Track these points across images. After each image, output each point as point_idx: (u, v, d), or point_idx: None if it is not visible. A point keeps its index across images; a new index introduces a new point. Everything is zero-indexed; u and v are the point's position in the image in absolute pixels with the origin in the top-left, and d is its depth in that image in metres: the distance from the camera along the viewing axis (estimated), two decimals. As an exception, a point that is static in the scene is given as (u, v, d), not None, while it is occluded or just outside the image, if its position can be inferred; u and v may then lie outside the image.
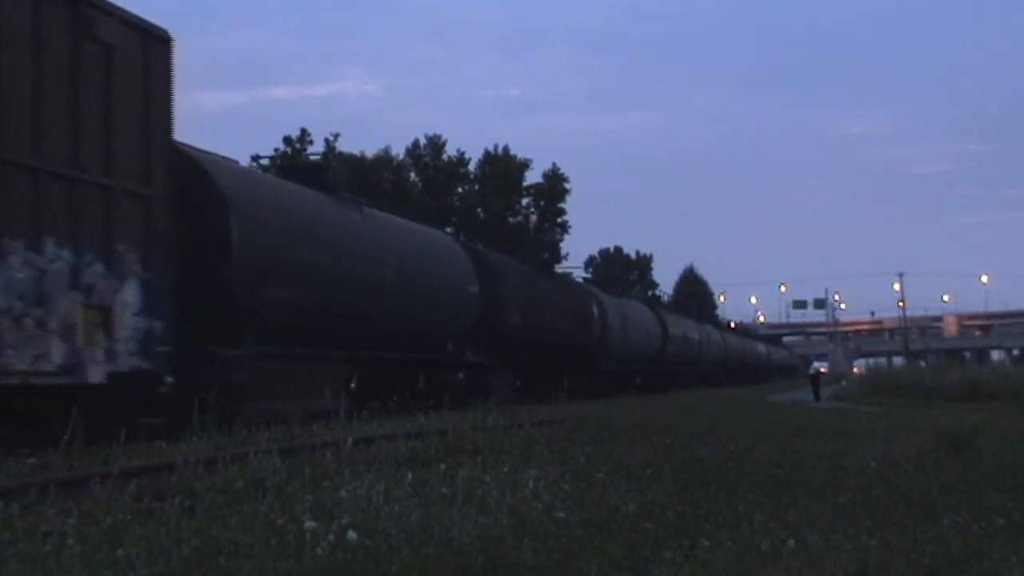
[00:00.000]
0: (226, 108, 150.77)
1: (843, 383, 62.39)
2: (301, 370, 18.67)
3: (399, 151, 62.97)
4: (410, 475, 8.66)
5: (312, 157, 55.53)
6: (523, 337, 30.41)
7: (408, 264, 22.89)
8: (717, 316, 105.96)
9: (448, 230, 45.73)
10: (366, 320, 20.94)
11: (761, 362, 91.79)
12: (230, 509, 7.20)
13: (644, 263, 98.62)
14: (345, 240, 20.46)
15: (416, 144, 63.79)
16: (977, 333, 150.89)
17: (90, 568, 5.23)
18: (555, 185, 67.06)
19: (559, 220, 67.57)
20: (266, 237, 17.36)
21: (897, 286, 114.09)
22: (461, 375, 27.12)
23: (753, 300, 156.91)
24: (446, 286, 25.09)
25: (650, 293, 78.56)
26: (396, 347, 22.30)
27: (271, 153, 58.22)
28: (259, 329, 17.09)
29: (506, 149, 65.49)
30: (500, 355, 28.43)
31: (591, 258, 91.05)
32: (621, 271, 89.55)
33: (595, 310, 39.40)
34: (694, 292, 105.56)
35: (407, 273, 22.60)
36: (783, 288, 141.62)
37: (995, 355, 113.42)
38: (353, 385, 20.87)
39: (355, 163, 59.04)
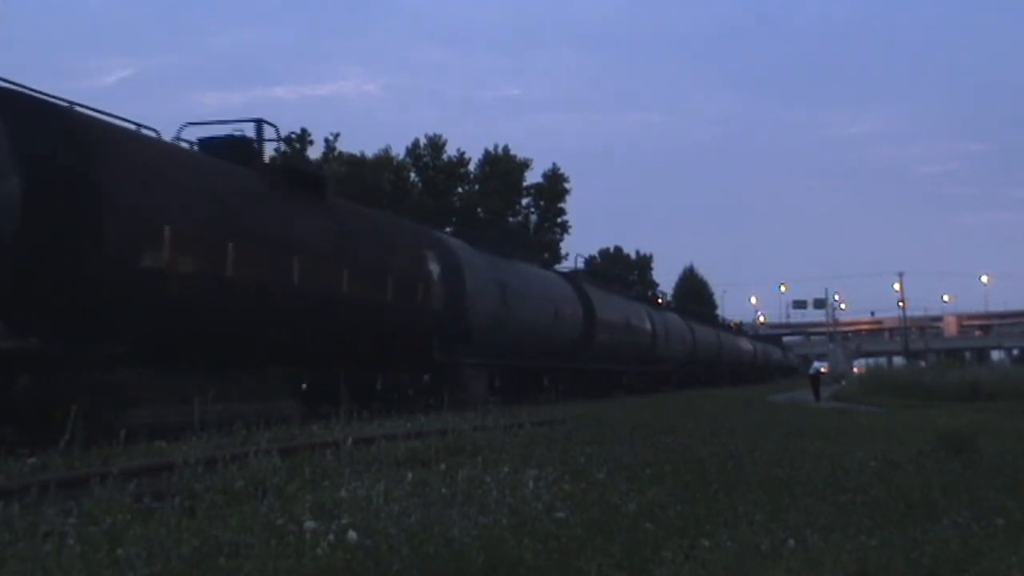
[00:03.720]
0: (226, 108, 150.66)
1: (843, 383, 62.44)
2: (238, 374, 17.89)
3: (399, 151, 63.08)
4: (410, 475, 8.66)
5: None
6: (496, 332, 27.38)
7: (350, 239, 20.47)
8: (717, 316, 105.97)
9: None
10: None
11: (744, 360, 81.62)
12: (230, 509, 7.20)
13: (644, 263, 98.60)
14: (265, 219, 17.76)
15: (416, 144, 63.84)
16: (977, 333, 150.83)
17: (90, 568, 5.23)
18: (555, 185, 67.10)
19: (559, 220, 67.63)
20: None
21: (897, 286, 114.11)
22: (427, 377, 24.26)
23: (753, 300, 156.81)
24: (401, 273, 22.48)
25: (650, 293, 78.37)
26: (345, 343, 20.19)
27: (271, 152, 58.53)
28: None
29: (506, 149, 65.58)
30: (471, 353, 25.76)
31: (591, 258, 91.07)
32: (621, 271, 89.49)
33: (579, 305, 35.95)
34: (694, 292, 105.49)
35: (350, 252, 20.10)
36: (783, 288, 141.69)
37: (995, 355, 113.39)
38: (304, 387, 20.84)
39: (355, 163, 59.07)
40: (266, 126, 20.05)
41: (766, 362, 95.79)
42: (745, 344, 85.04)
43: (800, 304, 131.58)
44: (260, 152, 19.80)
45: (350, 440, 11.55)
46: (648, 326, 46.79)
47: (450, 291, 24.58)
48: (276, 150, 20.90)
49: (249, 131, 19.70)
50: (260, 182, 18.34)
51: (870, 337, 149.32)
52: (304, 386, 21.21)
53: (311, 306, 18.40)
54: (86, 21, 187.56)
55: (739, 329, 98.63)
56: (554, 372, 33.44)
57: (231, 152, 18.32)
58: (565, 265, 52.04)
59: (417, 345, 22.80)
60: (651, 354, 47.16)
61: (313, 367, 21.04)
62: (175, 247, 14.75)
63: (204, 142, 18.73)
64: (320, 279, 18.70)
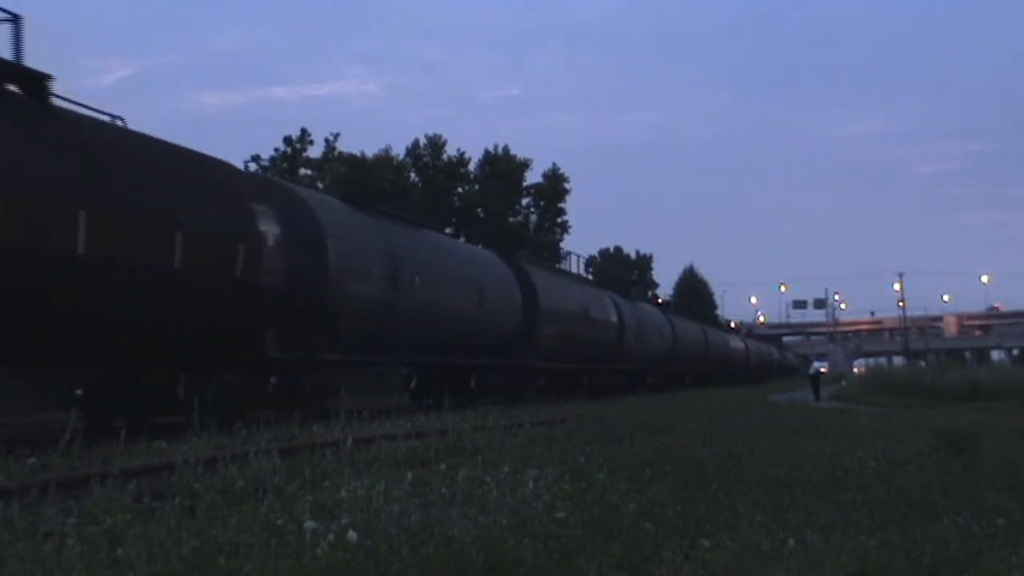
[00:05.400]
0: (226, 108, 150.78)
1: (843, 383, 62.47)
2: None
3: (399, 151, 63.06)
4: (410, 475, 8.66)
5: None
6: (384, 321, 21.72)
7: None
8: (718, 316, 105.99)
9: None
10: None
11: (735, 359, 75.57)
12: (230, 509, 7.20)
13: (644, 263, 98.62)
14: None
15: (416, 144, 63.81)
16: (977, 333, 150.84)
17: (90, 568, 5.23)
18: (555, 185, 67.08)
19: (559, 220, 67.60)
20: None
21: (897, 286, 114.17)
22: (274, 379, 18.09)
23: (753, 300, 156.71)
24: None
25: (650, 293, 78.32)
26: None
27: (271, 153, 58.54)
28: None
29: (506, 149, 65.54)
30: (341, 348, 19.90)
31: (591, 258, 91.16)
32: (621, 271, 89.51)
33: (517, 289, 30.06)
34: (694, 292, 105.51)
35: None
36: (783, 288, 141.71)
37: (995, 355, 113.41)
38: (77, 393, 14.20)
39: (355, 163, 59.06)
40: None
41: (761, 362, 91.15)
42: (736, 342, 79.62)
43: (800, 304, 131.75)
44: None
45: (350, 440, 11.56)
46: (613, 318, 40.53)
47: (298, 262, 18.19)
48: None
49: None
50: None
51: (870, 337, 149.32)
52: (80, 391, 14.55)
53: (26, 269, 12.57)
54: (86, 21, 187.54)
55: (737, 329, 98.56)
56: (484, 371, 27.41)
57: None
58: (564, 265, 51.58)
59: (237, 336, 16.52)
60: (617, 350, 40.79)
61: (90, 364, 15.12)
62: None
63: None
64: (44, 227, 12.81)
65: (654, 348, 47.78)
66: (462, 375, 26.15)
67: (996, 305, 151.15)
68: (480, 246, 35.71)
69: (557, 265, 47.37)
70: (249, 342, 17.12)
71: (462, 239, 40.49)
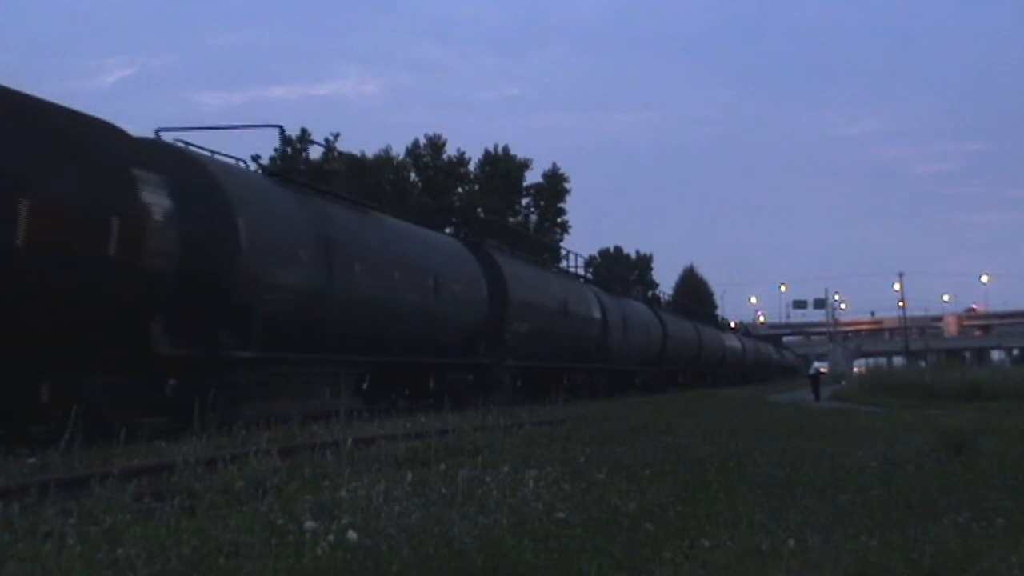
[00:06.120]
0: (226, 108, 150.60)
1: (843, 383, 62.48)
2: None
3: (399, 151, 63.08)
4: (410, 475, 8.66)
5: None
6: (315, 312, 18.62)
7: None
8: (718, 316, 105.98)
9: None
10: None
11: (730, 359, 72.59)
12: (230, 509, 7.21)
13: (644, 263, 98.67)
14: None
15: (416, 144, 63.85)
16: (977, 333, 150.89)
17: (90, 568, 5.23)
18: (555, 185, 67.15)
19: (559, 220, 67.66)
20: None
21: (897, 286, 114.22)
22: (173, 383, 15.35)
23: (753, 300, 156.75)
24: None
25: (650, 293, 78.21)
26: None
27: (271, 153, 58.57)
28: None
29: (506, 149, 65.61)
30: (256, 344, 16.79)
31: (591, 258, 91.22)
32: (621, 271, 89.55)
33: (483, 280, 27.23)
34: (694, 292, 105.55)
35: None
36: (783, 288, 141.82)
37: (995, 355, 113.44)
38: None
39: (355, 163, 59.08)
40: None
41: (759, 362, 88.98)
42: (732, 341, 76.91)
43: (800, 304, 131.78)
44: None
45: (350, 440, 11.55)
46: (596, 314, 38.12)
47: (197, 241, 15.43)
48: None
49: None
50: None
51: (870, 337, 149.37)
52: None
53: None
54: (86, 21, 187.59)
55: (736, 329, 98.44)
56: (444, 371, 24.96)
57: None
58: (565, 265, 51.02)
59: (113, 329, 13.89)
60: (601, 349, 38.41)
61: None
62: None
63: None
64: None
65: (643, 347, 45.53)
66: (420, 375, 23.91)
67: (974, 306, 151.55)
68: (446, 232, 31.04)
69: (558, 265, 46.96)
70: (130, 336, 14.23)
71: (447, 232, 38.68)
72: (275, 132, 20.59)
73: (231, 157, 18.70)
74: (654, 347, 47.73)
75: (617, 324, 40.51)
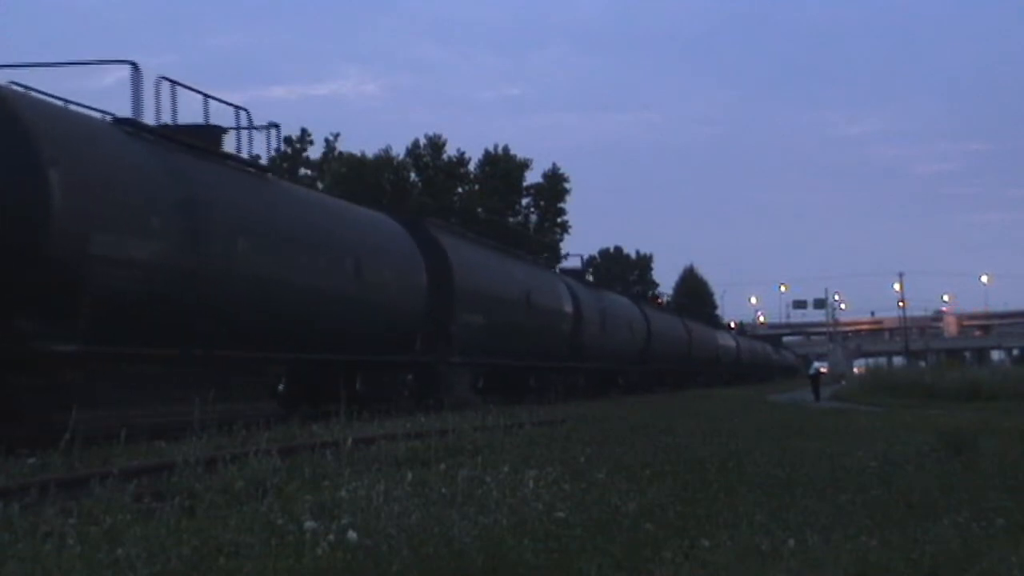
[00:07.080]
0: (226, 108, 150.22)
1: (843, 383, 62.49)
2: None
3: (399, 151, 63.10)
4: (410, 475, 8.66)
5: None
6: (180, 297, 15.15)
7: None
8: (718, 316, 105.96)
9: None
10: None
11: (724, 358, 69.75)
12: (230, 509, 7.21)
13: (644, 263, 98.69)
14: None
15: (416, 144, 63.88)
16: (977, 333, 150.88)
17: (90, 568, 5.23)
18: (555, 185, 67.16)
19: (559, 220, 67.67)
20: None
21: (897, 286, 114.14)
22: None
23: (753, 300, 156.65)
24: None
25: (650, 293, 78.16)
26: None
27: (271, 153, 58.54)
28: None
29: (506, 149, 65.61)
30: (67, 331, 13.44)
31: (591, 258, 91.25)
32: (621, 271, 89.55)
33: (421, 262, 23.49)
34: (694, 292, 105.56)
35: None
36: (783, 288, 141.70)
37: (995, 355, 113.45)
38: None
39: (355, 163, 59.09)
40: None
41: (754, 361, 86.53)
42: (726, 340, 74.40)
43: (800, 304, 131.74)
44: None
45: (350, 440, 11.56)
46: (568, 307, 34.59)
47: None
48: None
49: None
50: None
51: (870, 337, 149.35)
52: None
53: None
54: (86, 21, 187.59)
55: (735, 328, 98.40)
56: (374, 370, 21.78)
57: None
58: (566, 265, 50.56)
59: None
60: (574, 346, 34.94)
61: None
62: None
63: None
64: None
65: (624, 344, 42.04)
66: (348, 375, 20.38)
67: (943, 309, 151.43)
68: (368, 209, 25.61)
69: (557, 265, 46.61)
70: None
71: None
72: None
73: (71, 103, 15.10)
74: (637, 344, 44.31)
75: (593, 319, 37.30)
